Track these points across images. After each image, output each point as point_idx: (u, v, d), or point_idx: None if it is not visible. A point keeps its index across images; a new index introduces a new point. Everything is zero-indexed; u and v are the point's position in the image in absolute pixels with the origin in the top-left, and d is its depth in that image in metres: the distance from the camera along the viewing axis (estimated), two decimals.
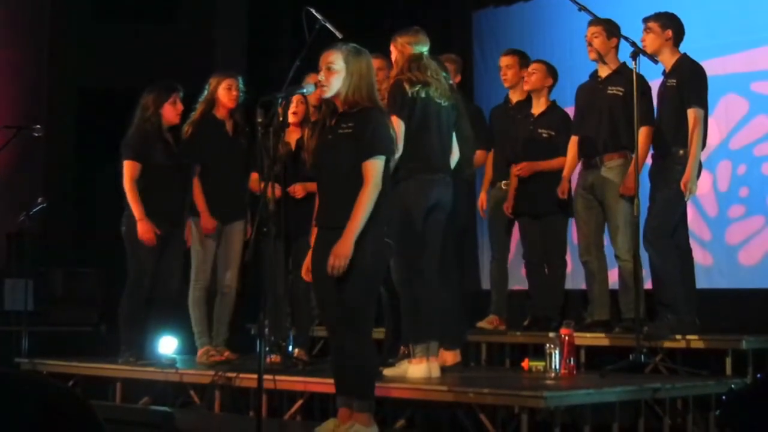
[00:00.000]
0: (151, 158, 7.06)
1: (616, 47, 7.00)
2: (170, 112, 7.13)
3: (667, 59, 6.64)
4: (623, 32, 6.64)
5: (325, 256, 4.96)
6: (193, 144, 7.15)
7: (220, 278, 7.24)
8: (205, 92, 7.25)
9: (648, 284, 6.74)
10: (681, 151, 6.51)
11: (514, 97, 7.81)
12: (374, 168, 4.92)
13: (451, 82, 6.46)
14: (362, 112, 4.98)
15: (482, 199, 7.94)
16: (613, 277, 7.15)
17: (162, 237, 7.06)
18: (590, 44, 7.01)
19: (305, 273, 5.19)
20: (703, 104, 6.54)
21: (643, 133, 6.56)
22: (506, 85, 7.82)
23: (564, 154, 7.36)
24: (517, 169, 7.47)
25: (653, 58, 6.42)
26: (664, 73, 6.71)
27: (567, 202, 7.31)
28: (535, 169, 7.43)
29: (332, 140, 5.02)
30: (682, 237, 6.74)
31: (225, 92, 7.20)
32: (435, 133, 6.05)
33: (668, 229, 6.58)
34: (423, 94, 5.99)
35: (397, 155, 5.73)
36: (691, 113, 6.49)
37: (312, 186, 6.28)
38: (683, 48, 6.72)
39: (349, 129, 4.96)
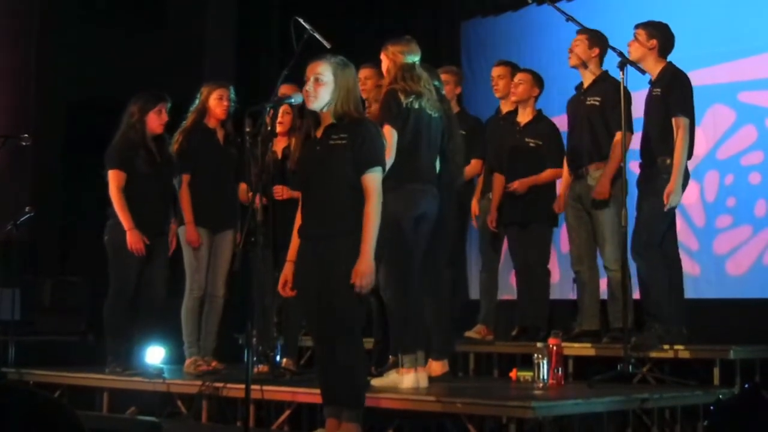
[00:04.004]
0: (134, 167, 7.04)
1: (599, 57, 7.03)
2: (155, 121, 7.11)
3: (652, 68, 6.65)
4: (614, 42, 6.66)
5: (311, 266, 4.96)
6: (184, 153, 7.14)
7: (209, 287, 7.23)
8: (197, 102, 7.26)
9: (636, 294, 6.75)
10: (668, 160, 6.52)
11: (505, 107, 7.82)
12: (375, 180, 4.93)
13: (442, 92, 6.47)
14: (355, 123, 4.98)
15: (474, 208, 7.95)
16: (601, 287, 7.15)
17: (146, 246, 7.04)
18: (572, 51, 7.03)
19: (282, 287, 5.16)
20: (687, 113, 6.53)
21: (618, 138, 6.57)
22: (497, 95, 7.83)
23: (550, 164, 7.41)
24: (513, 188, 7.44)
25: (640, 68, 6.42)
26: (650, 82, 6.73)
27: (553, 211, 7.33)
28: (529, 184, 7.42)
29: (321, 151, 5.00)
30: (671, 247, 6.74)
31: (216, 102, 7.21)
32: (425, 145, 6.06)
33: (656, 239, 6.58)
34: (416, 105, 5.99)
35: (389, 165, 5.74)
36: (677, 122, 6.49)
37: (296, 192, 6.29)
38: (672, 58, 6.73)
39: (343, 140, 4.94)
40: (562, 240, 7.62)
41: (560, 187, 7.35)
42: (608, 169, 6.81)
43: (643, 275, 6.58)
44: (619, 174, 6.75)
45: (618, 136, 6.60)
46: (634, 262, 6.61)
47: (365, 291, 4.84)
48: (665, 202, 6.43)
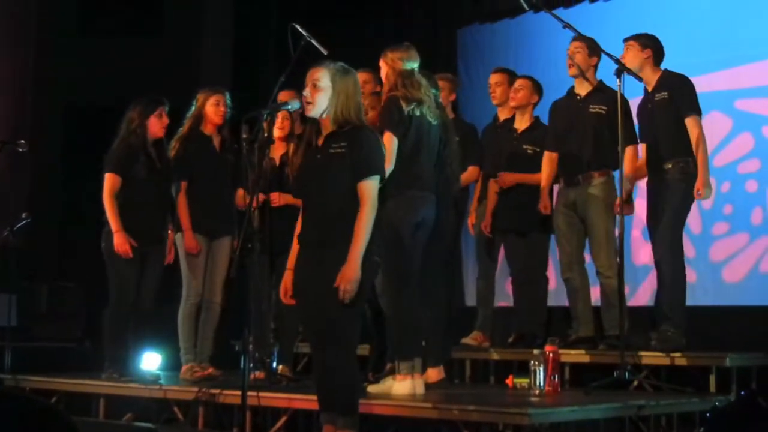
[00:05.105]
0: (133, 172, 7.02)
1: (596, 66, 7.05)
2: (155, 125, 7.10)
3: (649, 76, 6.69)
4: (611, 50, 6.67)
5: (310, 273, 4.95)
6: (181, 160, 7.14)
7: (206, 294, 7.23)
8: (193, 108, 7.25)
9: (631, 301, 6.75)
10: (688, 160, 6.53)
11: (502, 114, 7.82)
12: (370, 189, 4.92)
13: (439, 99, 6.47)
14: (354, 132, 4.97)
15: (472, 215, 7.95)
16: (595, 294, 7.15)
17: (142, 252, 7.03)
18: (571, 59, 7.05)
19: (284, 295, 5.15)
20: (699, 111, 6.60)
21: (628, 152, 6.58)
22: (495, 102, 7.83)
23: None
24: (499, 180, 7.46)
25: (637, 75, 6.45)
26: (645, 90, 6.75)
27: (548, 218, 7.33)
28: (517, 180, 7.43)
29: (321, 160, 4.99)
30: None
31: (212, 108, 7.20)
32: (425, 152, 6.06)
33: (681, 241, 6.60)
34: (417, 113, 5.99)
35: (389, 172, 5.74)
36: (692, 121, 6.54)
37: (293, 199, 6.28)
38: (668, 66, 6.76)
39: (341, 149, 4.94)
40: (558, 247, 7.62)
41: (543, 181, 7.31)
42: (628, 183, 6.76)
43: (668, 278, 6.54)
44: (612, 180, 6.80)
45: (628, 147, 6.58)
46: (656, 266, 6.62)
47: (348, 297, 4.82)
48: (697, 196, 6.44)
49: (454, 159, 6.43)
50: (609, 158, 6.85)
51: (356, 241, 4.84)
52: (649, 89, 6.74)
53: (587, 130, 7.01)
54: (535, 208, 7.29)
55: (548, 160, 7.25)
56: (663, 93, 6.65)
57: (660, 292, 6.69)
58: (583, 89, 7.10)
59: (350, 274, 4.81)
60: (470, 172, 7.49)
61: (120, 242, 6.90)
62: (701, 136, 6.54)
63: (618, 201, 6.63)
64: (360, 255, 4.83)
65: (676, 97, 6.59)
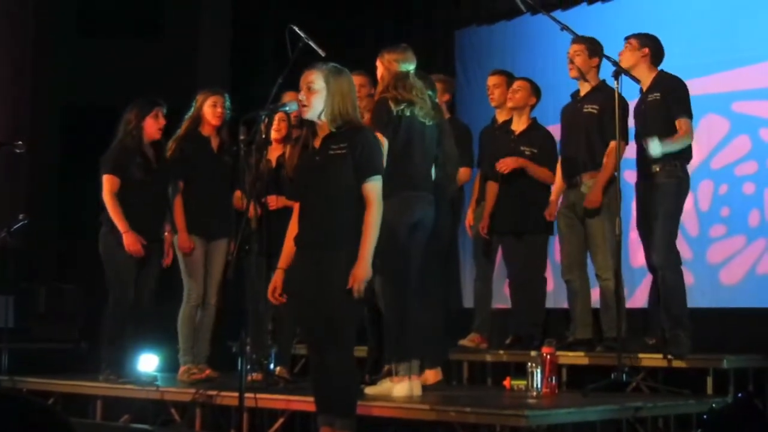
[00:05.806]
0: (129, 173, 7.02)
1: (598, 66, 7.05)
2: (152, 126, 7.10)
3: (644, 75, 6.67)
4: (608, 53, 6.68)
5: (308, 274, 4.95)
6: (178, 161, 7.14)
7: (203, 295, 7.22)
8: (192, 109, 7.25)
9: (629, 303, 6.74)
10: (676, 163, 6.52)
11: (501, 116, 7.81)
12: (375, 189, 4.95)
13: (435, 101, 6.46)
14: (353, 132, 4.98)
15: (469, 217, 7.95)
16: (594, 296, 7.15)
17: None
18: (572, 62, 7.05)
19: (271, 293, 5.15)
20: (690, 114, 6.57)
21: (613, 148, 6.58)
22: (493, 104, 7.82)
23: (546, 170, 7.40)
24: (500, 165, 7.43)
25: (635, 77, 6.44)
26: (641, 91, 6.74)
27: (548, 220, 7.34)
28: (521, 164, 7.40)
29: (320, 161, 5.00)
30: None
31: (210, 109, 7.19)
32: (418, 152, 6.06)
33: (675, 243, 6.59)
34: (408, 113, 5.99)
35: None
36: (681, 123, 6.51)
37: (290, 201, 6.28)
38: (665, 68, 6.76)
39: (341, 150, 4.94)
40: (556, 249, 7.62)
41: (552, 194, 7.35)
42: (601, 178, 6.81)
43: (670, 281, 6.52)
44: (613, 183, 6.78)
45: (613, 144, 6.61)
46: (655, 271, 6.62)
47: (360, 295, 4.84)
48: (644, 142, 6.39)
49: (449, 160, 6.43)
50: (601, 158, 6.87)
51: (365, 241, 4.87)
52: (644, 89, 6.73)
53: (581, 131, 7.02)
54: (532, 210, 7.29)
55: (560, 167, 7.27)
56: (656, 94, 6.64)
57: (656, 295, 6.68)
58: (583, 90, 7.11)
59: (362, 273, 4.84)
60: (462, 173, 7.45)
61: (130, 242, 6.91)
62: (687, 133, 6.49)
63: (594, 196, 6.66)
64: (370, 255, 4.87)
65: (668, 99, 6.58)
